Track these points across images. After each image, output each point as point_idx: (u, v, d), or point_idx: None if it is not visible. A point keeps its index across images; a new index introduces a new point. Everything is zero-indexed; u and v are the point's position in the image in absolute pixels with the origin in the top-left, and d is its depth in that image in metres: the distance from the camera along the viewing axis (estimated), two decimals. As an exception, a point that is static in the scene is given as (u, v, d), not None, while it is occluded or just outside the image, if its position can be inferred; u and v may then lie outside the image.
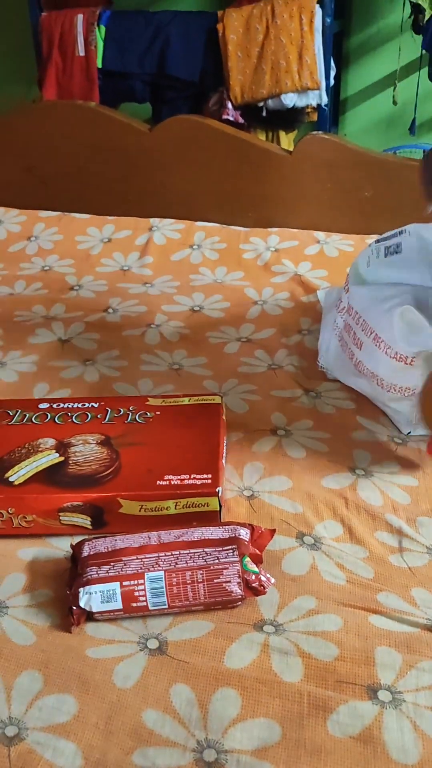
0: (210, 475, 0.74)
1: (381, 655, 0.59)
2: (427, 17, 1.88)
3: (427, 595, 0.66)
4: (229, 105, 1.82)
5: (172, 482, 0.73)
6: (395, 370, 0.85)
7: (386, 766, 0.50)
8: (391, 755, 0.51)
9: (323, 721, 0.53)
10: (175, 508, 0.72)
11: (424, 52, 1.98)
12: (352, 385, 0.97)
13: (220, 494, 0.72)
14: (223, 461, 0.80)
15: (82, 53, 1.82)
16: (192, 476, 0.73)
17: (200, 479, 0.73)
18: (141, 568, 0.63)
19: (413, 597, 0.66)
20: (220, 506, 0.72)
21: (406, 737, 0.52)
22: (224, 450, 0.82)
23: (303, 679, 0.57)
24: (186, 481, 0.73)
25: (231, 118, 1.82)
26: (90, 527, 0.72)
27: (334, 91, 2.14)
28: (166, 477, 0.73)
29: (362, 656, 0.59)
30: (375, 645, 0.60)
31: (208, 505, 0.72)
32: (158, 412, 0.85)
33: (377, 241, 0.98)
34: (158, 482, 0.73)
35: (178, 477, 0.73)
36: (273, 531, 0.70)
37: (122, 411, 0.84)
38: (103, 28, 1.83)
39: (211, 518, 0.72)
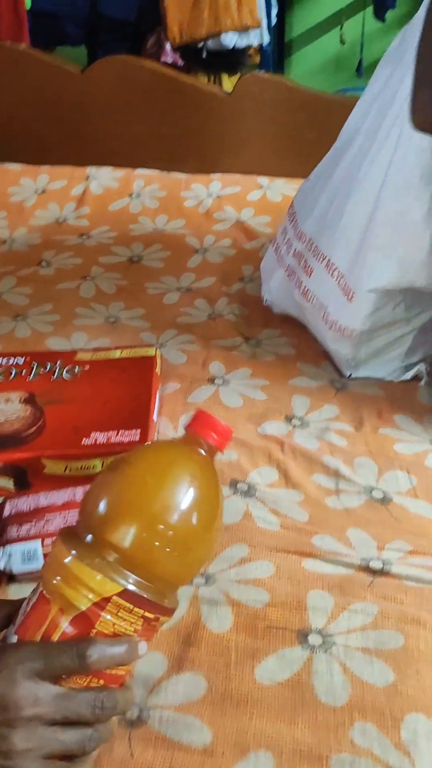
0: (139, 431, 0.71)
1: (313, 598, 0.58)
2: None
3: (362, 535, 0.65)
4: (168, 46, 1.74)
5: (99, 440, 0.69)
6: (341, 304, 0.83)
7: (314, 710, 0.49)
8: (320, 698, 0.50)
9: (251, 669, 0.52)
10: (102, 467, 0.69)
11: (368, -13, 1.92)
12: (296, 315, 0.94)
13: (149, 449, 0.69)
14: (155, 416, 0.77)
15: (8, -8, 1.70)
16: (120, 432, 0.70)
17: (129, 435, 0.70)
18: (64, 525, 0.60)
19: (348, 538, 0.65)
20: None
21: (335, 680, 0.51)
22: (157, 403, 0.79)
23: (232, 629, 0.55)
24: (113, 439, 0.70)
25: (170, 61, 1.74)
26: (13, 489, 0.69)
27: (278, 33, 2.06)
28: (92, 434, 0.70)
29: (294, 601, 0.57)
30: (308, 589, 0.59)
31: (137, 462, 0.69)
32: (87, 367, 0.81)
33: None
34: (84, 440, 0.70)
35: (106, 434, 0.70)
36: (206, 480, 0.68)
37: (49, 366, 0.80)
38: (29, -35, 1.72)
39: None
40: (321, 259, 0.87)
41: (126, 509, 0.42)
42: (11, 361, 0.81)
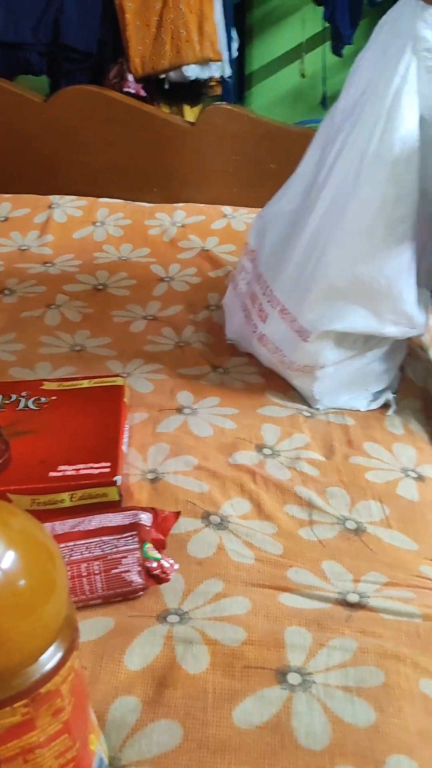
0: (108, 463, 0.69)
1: (291, 635, 0.56)
2: (327, -12, 1.86)
3: (338, 567, 0.64)
4: (130, 77, 1.75)
5: (67, 473, 0.67)
6: (296, 346, 0.83)
7: (294, 755, 0.47)
8: (300, 742, 0.48)
9: (229, 712, 0.50)
10: (71, 501, 0.66)
11: (327, 24, 1.97)
12: (258, 356, 0.94)
13: (118, 483, 0.67)
14: (125, 446, 0.75)
15: (-31, 21, 1.69)
16: (89, 465, 0.68)
17: (97, 468, 0.68)
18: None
19: (323, 570, 0.64)
20: (120, 496, 0.68)
21: (315, 721, 0.49)
22: (126, 434, 0.77)
23: (209, 669, 0.53)
24: (82, 471, 0.68)
25: (132, 91, 1.74)
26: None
27: (238, 65, 2.10)
28: (59, 467, 0.68)
29: (271, 638, 0.56)
30: (285, 625, 0.57)
31: (106, 496, 0.67)
32: (54, 397, 0.79)
33: None
34: (51, 473, 0.67)
35: (74, 467, 0.68)
36: (177, 513, 0.66)
37: (14, 397, 0.78)
38: (-9, -5, 1.71)
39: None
40: (276, 304, 0.87)
41: None
42: (-27, 393, 0.79)
